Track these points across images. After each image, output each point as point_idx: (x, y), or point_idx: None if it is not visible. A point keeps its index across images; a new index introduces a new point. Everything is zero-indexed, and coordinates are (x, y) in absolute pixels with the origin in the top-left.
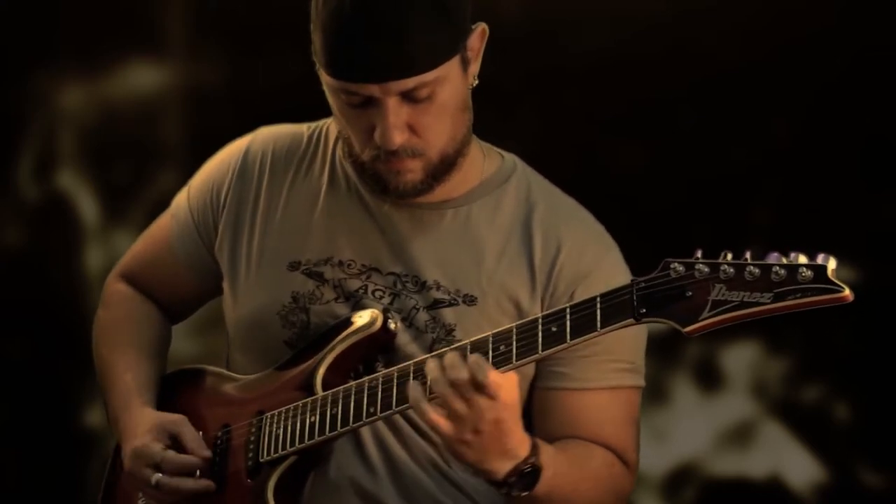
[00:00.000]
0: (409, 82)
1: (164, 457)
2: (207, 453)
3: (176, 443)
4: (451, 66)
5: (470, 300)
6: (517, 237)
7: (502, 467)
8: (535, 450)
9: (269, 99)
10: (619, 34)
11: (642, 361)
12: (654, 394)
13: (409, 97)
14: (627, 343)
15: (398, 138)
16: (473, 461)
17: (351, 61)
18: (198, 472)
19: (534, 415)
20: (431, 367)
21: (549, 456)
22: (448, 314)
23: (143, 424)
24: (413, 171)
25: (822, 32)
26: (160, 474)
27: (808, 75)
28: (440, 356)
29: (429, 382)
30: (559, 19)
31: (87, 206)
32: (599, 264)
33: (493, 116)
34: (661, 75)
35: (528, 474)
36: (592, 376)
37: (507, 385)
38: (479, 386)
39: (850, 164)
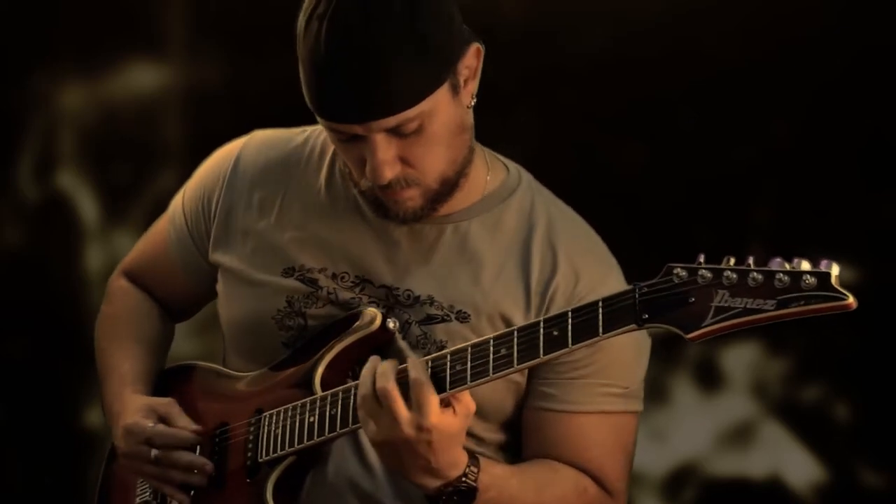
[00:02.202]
0: (390, 121)
1: (155, 430)
2: (197, 428)
3: (165, 423)
4: (438, 97)
5: (463, 317)
6: (516, 256)
7: (428, 483)
8: (472, 470)
9: (269, 99)
10: (619, 34)
11: (639, 385)
12: (654, 394)
13: (395, 132)
14: (622, 367)
15: (388, 173)
16: (394, 469)
17: (331, 102)
18: (198, 450)
19: (522, 432)
20: (363, 378)
21: (495, 477)
22: (439, 330)
23: (133, 406)
24: (412, 198)
25: (822, 32)
26: (157, 451)
27: (808, 75)
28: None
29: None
30: (558, 19)
31: (87, 206)
32: (595, 287)
33: (491, 117)
34: (661, 75)
35: (461, 493)
36: (579, 399)
37: (444, 412)
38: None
39: (850, 164)
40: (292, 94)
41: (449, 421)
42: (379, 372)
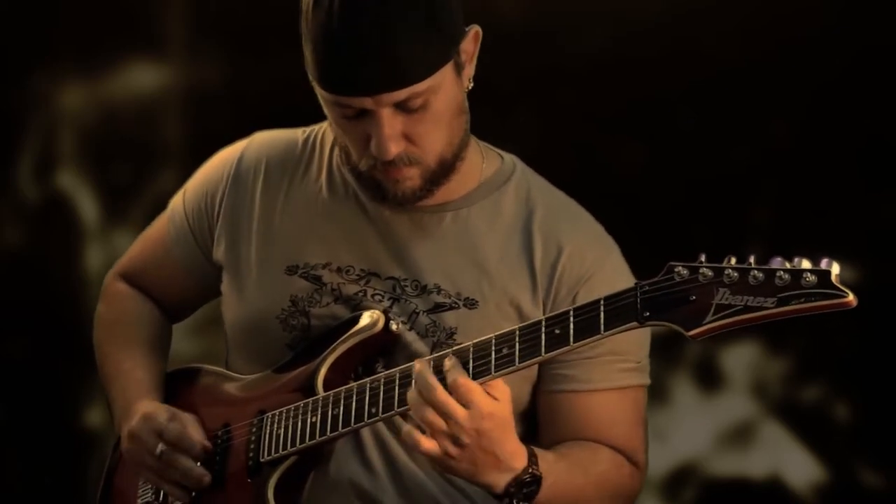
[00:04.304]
0: (402, 93)
1: (168, 426)
2: (208, 444)
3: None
4: (444, 74)
5: (471, 304)
6: (517, 240)
7: (500, 480)
8: (532, 459)
9: (269, 99)
10: (618, 34)
11: (647, 359)
12: (655, 394)
13: (402, 107)
14: (632, 342)
15: (394, 149)
16: (466, 475)
17: (342, 75)
18: (198, 463)
19: (540, 419)
20: (410, 393)
21: (549, 463)
22: (449, 318)
23: (155, 405)
24: (411, 178)
25: (822, 32)
26: (164, 445)
27: (807, 75)
28: (437, 358)
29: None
30: (557, 19)
31: (87, 206)
32: (601, 266)
33: (490, 116)
34: (660, 75)
35: (528, 484)
36: (598, 377)
37: (488, 397)
38: (454, 394)
39: (849, 164)
40: (292, 94)
41: (496, 406)
42: (423, 386)
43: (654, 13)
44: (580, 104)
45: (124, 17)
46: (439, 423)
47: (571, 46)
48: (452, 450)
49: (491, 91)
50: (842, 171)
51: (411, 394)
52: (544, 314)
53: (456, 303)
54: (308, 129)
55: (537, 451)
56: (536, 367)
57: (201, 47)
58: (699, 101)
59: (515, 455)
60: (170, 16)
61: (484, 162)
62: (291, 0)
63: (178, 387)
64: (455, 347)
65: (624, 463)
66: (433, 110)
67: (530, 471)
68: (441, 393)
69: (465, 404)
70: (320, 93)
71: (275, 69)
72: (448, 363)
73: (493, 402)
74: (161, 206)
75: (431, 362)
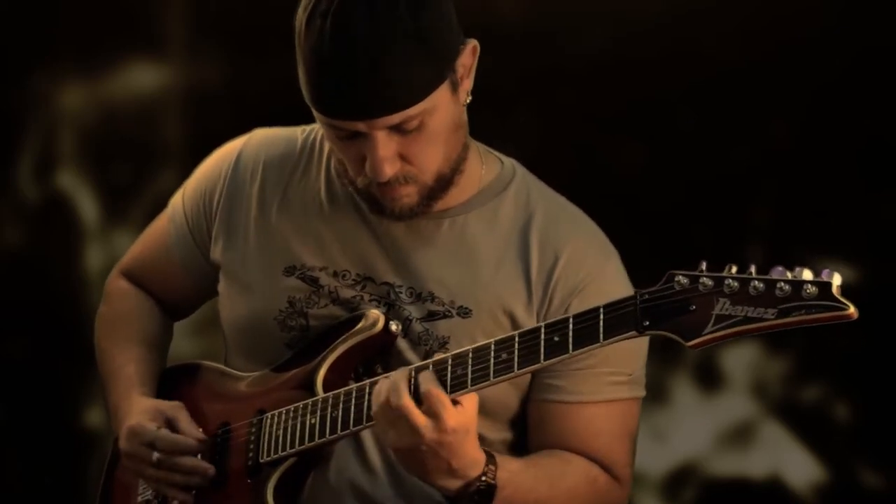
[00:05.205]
0: (395, 118)
1: (158, 435)
2: (201, 435)
3: (171, 426)
4: (439, 94)
5: (464, 312)
6: (515, 247)
7: (450, 485)
8: (490, 469)
9: (269, 99)
10: (618, 34)
11: (642, 371)
12: (655, 394)
13: (397, 129)
14: (626, 354)
15: (389, 170)
16: (417, 474)
17: (334, 99)
18: (199, 457)
19: (528, 424)
20: (378, 390)
21: (511, 473)
22: (442, 326)
23: (139, 407)
24: (409, 195)
25: (822, 32)
26: (159, 454)
27: (807, 75)
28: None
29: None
30: (557, 20)
31: (87, 206)
32: (596, 276)
33: (490, 117)
34: (661, 76)
35: (481, 492)
36: (587, 389)
37: (457, 410)
38: (424, 403)
39: (849, 165)
40: (292, 94)
41: (461, 419)
42: (392, 388)
43: (654, 14)
44: (580, 105)
45: (124, 17)
46: (394, 418)
47: (571, 47)
48: (410, 452)
49: (491, 92)
50: (842, 172)
51: (381, 395)
52: (538, 323)
53: (449, 311)
54: (308, 128)
55: (502, 459)
56: (529, 375)
57: (201, 47)
58: (699, 102)
59: (472, 464)
60: (170, 16)
61: (483, 167)
62: (291, 0)
63: (179, 382)
64: (455, 351)
65: (598, 478)
66: (429, 130)
67: (483, 479)
68: (407, 400)
69: (431, 415)
70: (315, 113)
71: (275, 69)
72: (425, 380)
73: (458, 416)
74: (161, 206)
75: (431, 366)
